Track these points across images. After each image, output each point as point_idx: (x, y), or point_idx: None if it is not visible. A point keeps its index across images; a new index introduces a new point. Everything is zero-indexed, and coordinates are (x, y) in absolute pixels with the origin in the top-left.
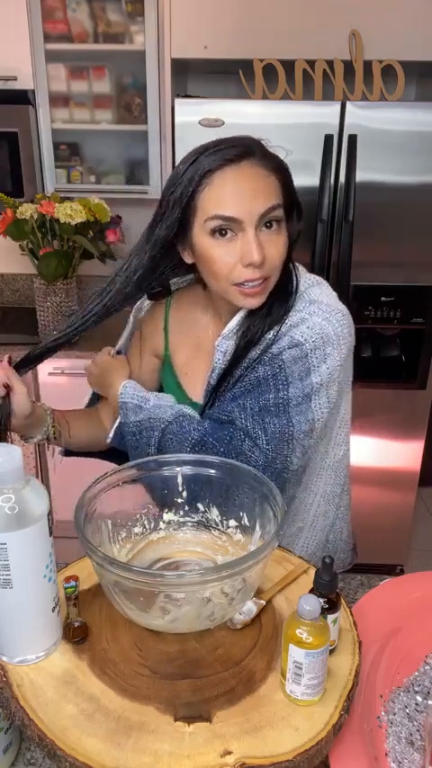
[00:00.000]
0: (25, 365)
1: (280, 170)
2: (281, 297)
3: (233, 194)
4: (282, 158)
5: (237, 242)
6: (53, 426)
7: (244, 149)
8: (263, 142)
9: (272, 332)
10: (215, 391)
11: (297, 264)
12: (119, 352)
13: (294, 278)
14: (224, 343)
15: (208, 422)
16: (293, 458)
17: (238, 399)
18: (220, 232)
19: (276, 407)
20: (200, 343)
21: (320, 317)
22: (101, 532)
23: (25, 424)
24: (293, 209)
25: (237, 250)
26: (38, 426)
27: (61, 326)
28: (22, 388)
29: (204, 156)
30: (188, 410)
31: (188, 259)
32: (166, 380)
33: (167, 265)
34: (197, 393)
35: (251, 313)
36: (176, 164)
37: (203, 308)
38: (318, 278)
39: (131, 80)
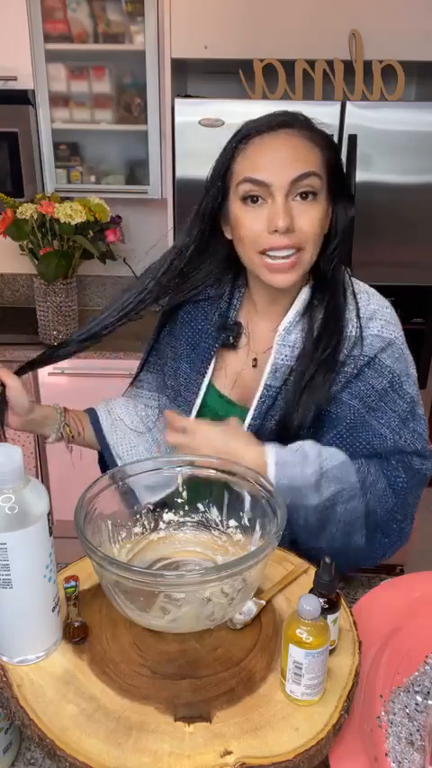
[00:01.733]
0: (66, 350)
1: (325, 144)
2: (335, 288)
3: (266, 159)
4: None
5: (266, 209)
6: (66, 425)
7: (287, 119)
8: (314, 120)
9: (352, 327)
10: (299, 397)
11: None
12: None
13: (345, 272)
14: (288, 337)
15: (369, 461)
16: None
17: (377, 424)
18: (251, 199)
19: (412, 412)
20: None
21: (386, 308)
22: (101, 532)
23: (30, 421)
24: (340, 190)
25: (264, 216)
26: (48, 425)
27: (109, 306)
28: (14, 382)
29: (247, 124)
30: (343, 455)
31: (228, 234)
32: None
33: (217, 245)
34: (226, 386)
35: (309, 305)
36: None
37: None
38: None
39: (131, 80)
